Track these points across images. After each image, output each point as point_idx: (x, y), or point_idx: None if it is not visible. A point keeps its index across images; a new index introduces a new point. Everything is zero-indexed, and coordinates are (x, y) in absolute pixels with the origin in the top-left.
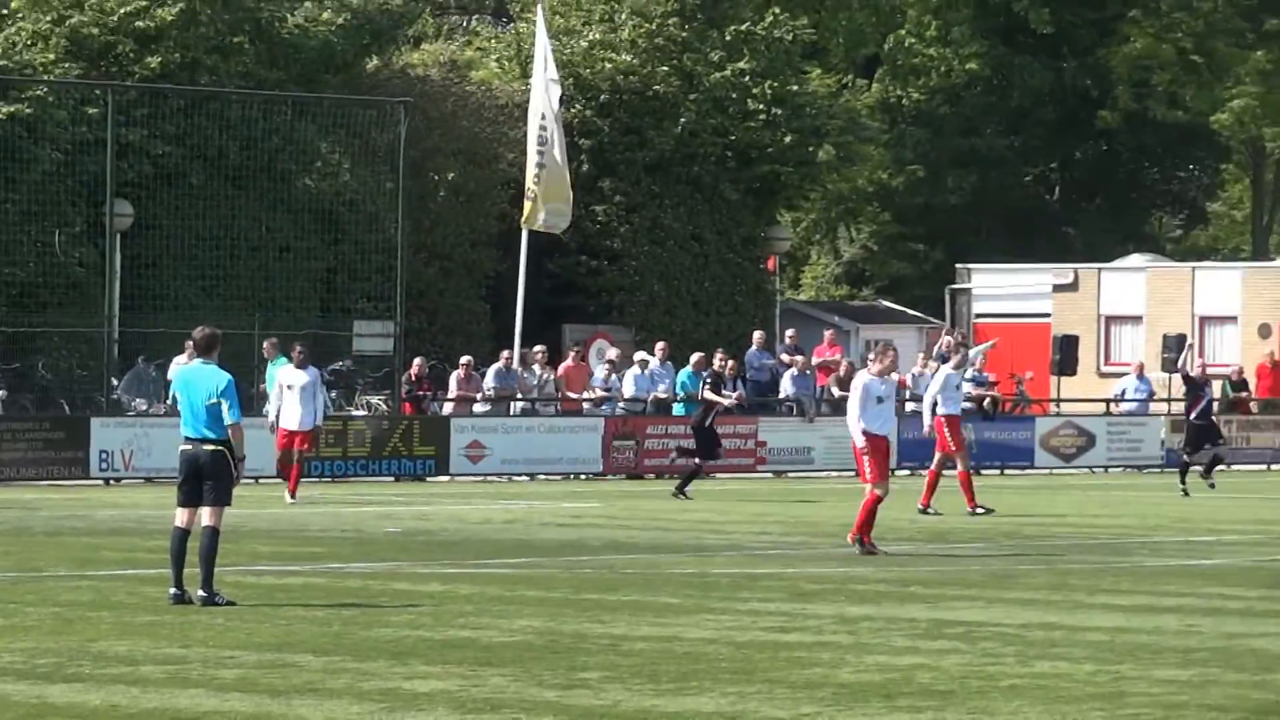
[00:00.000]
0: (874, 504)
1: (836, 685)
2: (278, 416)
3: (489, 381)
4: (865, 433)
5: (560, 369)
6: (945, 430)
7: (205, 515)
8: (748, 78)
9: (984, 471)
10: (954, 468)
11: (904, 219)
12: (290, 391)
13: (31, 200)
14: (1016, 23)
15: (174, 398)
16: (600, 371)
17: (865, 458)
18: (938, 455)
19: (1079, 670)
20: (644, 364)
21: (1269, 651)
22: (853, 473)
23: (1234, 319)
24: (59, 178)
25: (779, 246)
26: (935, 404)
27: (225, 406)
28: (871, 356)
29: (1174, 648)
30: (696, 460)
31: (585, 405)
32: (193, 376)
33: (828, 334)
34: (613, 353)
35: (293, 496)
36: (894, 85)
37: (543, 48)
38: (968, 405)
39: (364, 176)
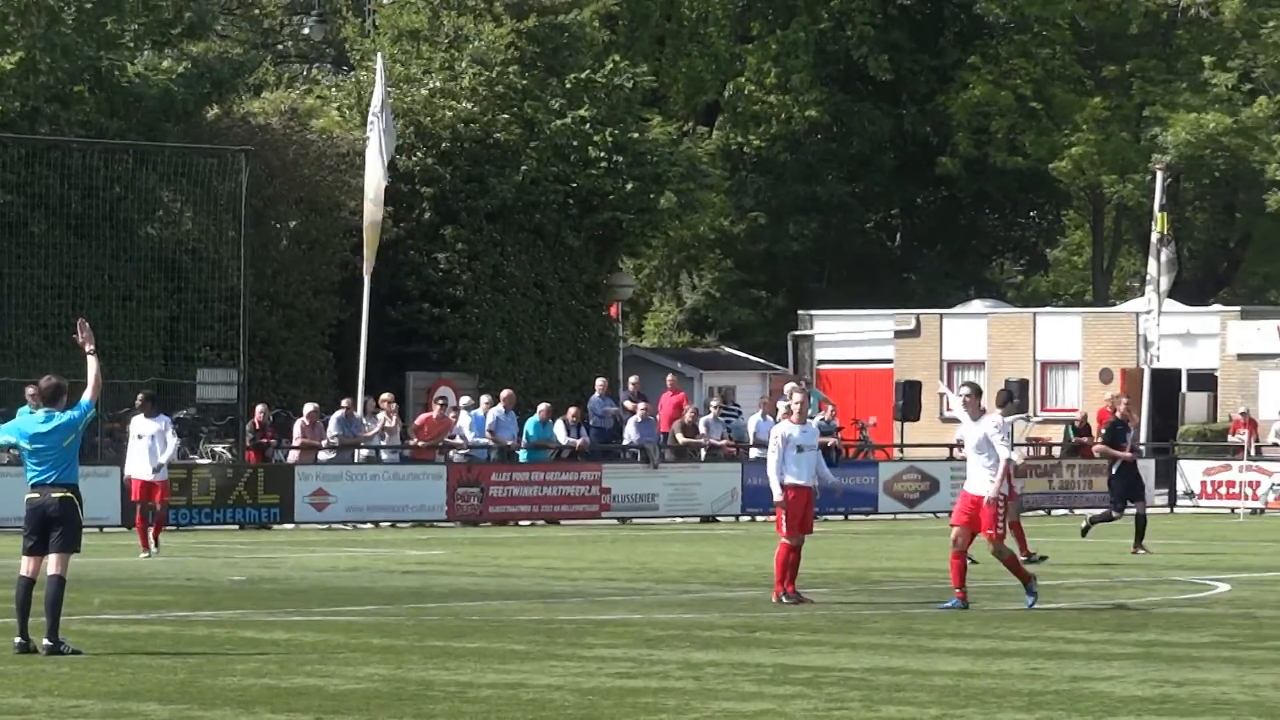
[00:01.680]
0: (785, 554)
1: None
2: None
3: (331, 429)
4: (786, 485)
5: (420, 419)
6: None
7: (52, 563)
8: (588, 125)
9: (828, 518)
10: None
11: (746, 266)
12: (140, 441)
13: None
14: (856, 70)
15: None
16: (465, 420)
17: (781, 510)
18: None
19: (924, 714)
20: (490, 404)
21: (1112, 694)
22: (698, 519)
23: (1075, 364)
24: None
25: (621, 293)
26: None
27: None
28: (785, 405)
29: (1019, 691)
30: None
31: (436, 455)
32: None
33: (669, 380)
34: (463, 400)
35: (156, 546)
36: (735, 132)
37: (379, 96)
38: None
39: (206, 225)
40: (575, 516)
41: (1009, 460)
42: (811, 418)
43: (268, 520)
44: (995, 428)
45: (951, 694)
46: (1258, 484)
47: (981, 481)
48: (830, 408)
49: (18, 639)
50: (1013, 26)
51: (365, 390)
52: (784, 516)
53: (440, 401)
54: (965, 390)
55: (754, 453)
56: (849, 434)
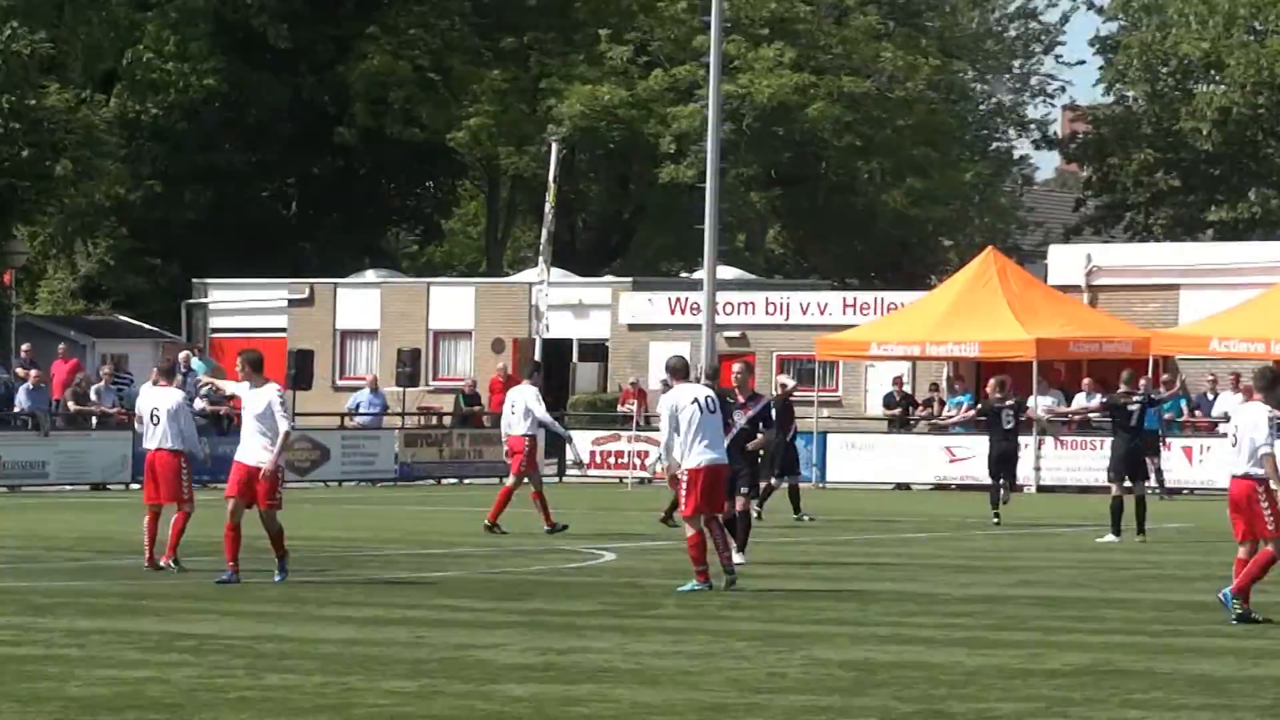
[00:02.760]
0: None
1: (64, 699)
2: None
3: None
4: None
5: None
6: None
7: None
8: None
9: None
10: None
11: (141, 234)
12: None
13: None
14: (255, 39)
15: None
16: None
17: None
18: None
19: (308, 682)
20: None
21: (496, 662)
22: (88, 486)
23: (468, 333)
24: None
25: (14, 260)
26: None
27: None
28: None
29: (403, 659)
30: None
31: None
32: None
33: (61, 347)
34: None
35: None
36: (133, 100)
37: None
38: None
39: None
40: None
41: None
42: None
43: None
44: (278, 397)
45: (336, 661)
46: (646, 454)
47: (255, 451)
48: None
49: None
50: None
51: None
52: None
53: None
54: (240, 360)
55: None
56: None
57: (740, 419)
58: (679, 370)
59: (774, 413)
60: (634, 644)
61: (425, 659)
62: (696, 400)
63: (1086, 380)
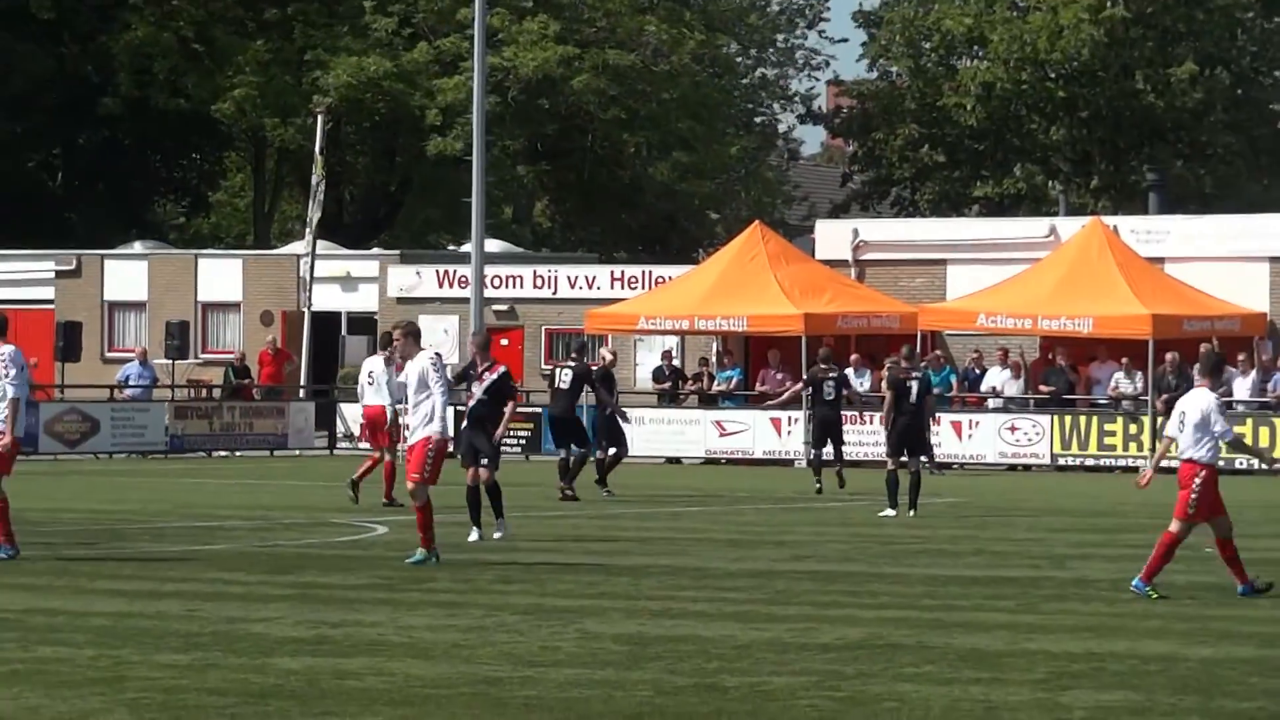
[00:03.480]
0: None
1: None
2: None
3: None
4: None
5: None
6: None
7: None
8: None
9: None
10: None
11: None
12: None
13: None
14: (17, 9)
15: None
16: None
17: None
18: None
19: (80, 655)
20: None
21: (269, 635)
22: None
23: (237, 306)
24: None
25: None
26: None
27: None
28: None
29: (176, 632)
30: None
31: None
32: None
33: None
34: None
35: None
36: None
37: None
38: None
39: None
40: None
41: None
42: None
43: None
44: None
45: (108, 635)
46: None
47: None
48: None
49: None
50: None
51: None
52: None
53: None
54: None
55: None
56: None
57: (478, 389)
58: (416, 334)
59: (598, 382)
60: (407, 617)
61: (198, 632)
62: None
63: (854, 355)
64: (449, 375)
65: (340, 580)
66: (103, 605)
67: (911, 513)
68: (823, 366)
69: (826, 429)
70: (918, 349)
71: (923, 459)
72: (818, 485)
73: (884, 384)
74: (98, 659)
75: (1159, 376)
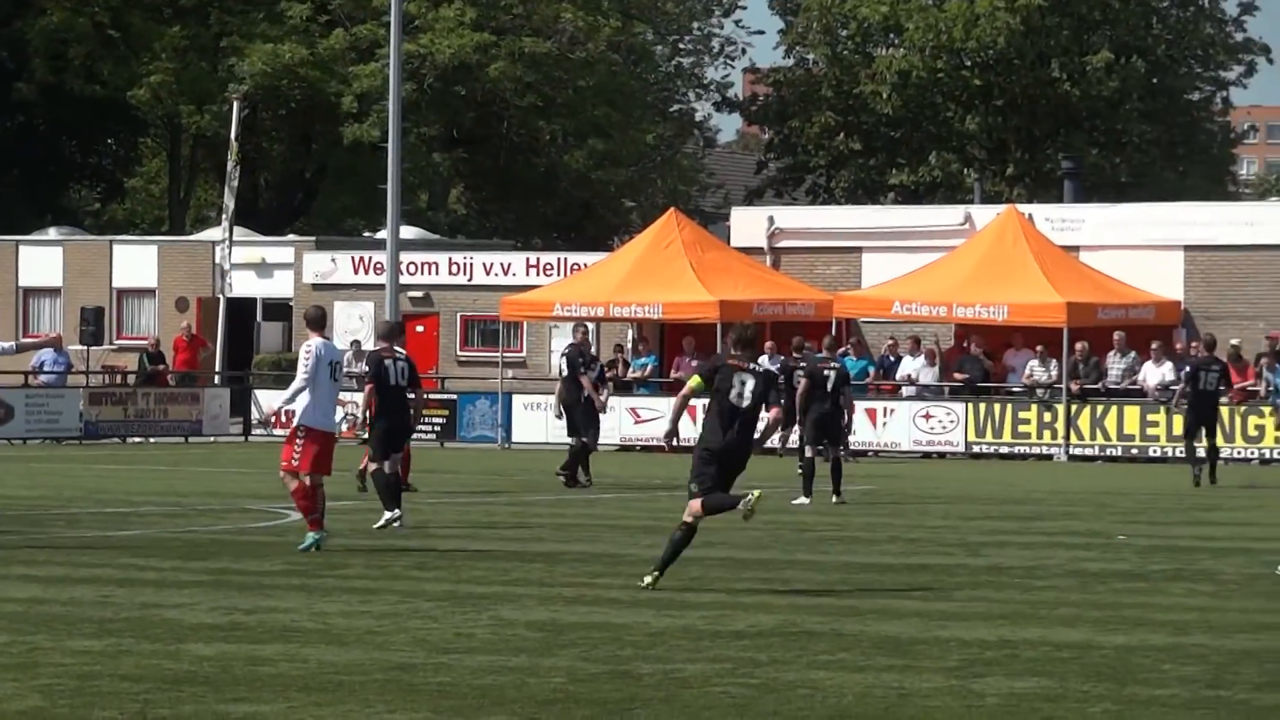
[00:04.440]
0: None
1: None
2: None
3: None
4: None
5: None
6: None
7: None
8: None
9: None
10: None
11: None
12: None
13: None
14: None
15: None
16: None
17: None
18: None
19: None
20: None
21: (183, 621)
22: None
23: (152, 292)
24: None
25: None
26: None
27: None
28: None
29: (90, 618)
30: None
31: None
32: None
33: None
34: None
35: None
36: None
37: None
38: None
39: None
40: None
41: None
42: None
43: None
44: None
45: (21, 620)
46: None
47: None
48: None
49: None
50: None
51: None
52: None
53: None
54: None
55: None
56: None
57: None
58: (318, 320)
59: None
60: (320, 604)
61: (112, 618)
62: (333, 363)
63: (770, 343)
64: (339, 362)
65: (254, 566)
66: (15, 591)
67: (835, 499)
68: (824, 356)
69: (825, 429)
70: (833, 335)
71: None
72: (805, 501)
73: (798, 373)
74: (10, 645)
75: (1073, 365)
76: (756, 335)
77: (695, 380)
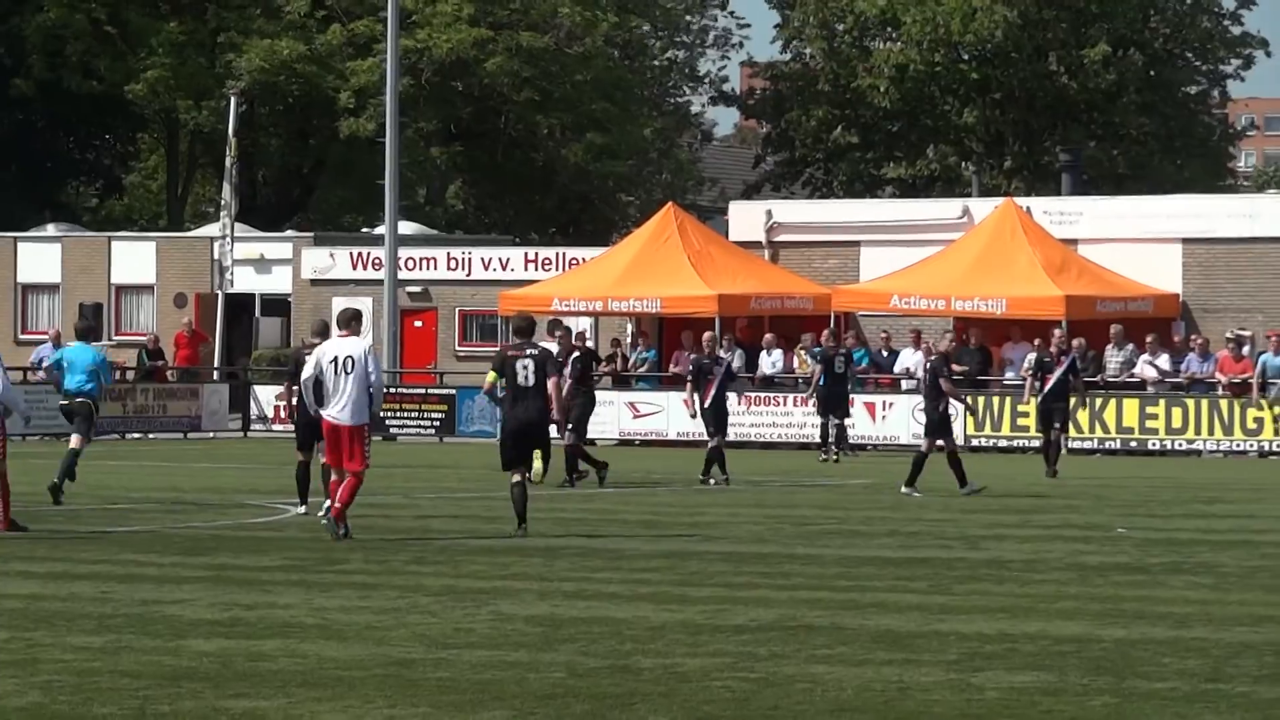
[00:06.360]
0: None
1: None
2: None
3: None
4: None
5: None
6: None
7: None
8: None
9: None
10: None
11: None
12: None
13: None
14: None
15: None
16: None
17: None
18: None
19: None
20: None
21: (183, 617)
22: None
23: (151, 288)
24: None
25: None
26: None
27: None
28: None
29: (89, 614)
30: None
31: None
32: None
33: None
34: None
35: None
36: None
37: None
38: None
39: None
40: None
41: None
42: None
43: None
44: None
45: (20, 617)
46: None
47: None
48: None
49: None
50: None
51: None
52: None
53: None
54: None
55: None
56: None
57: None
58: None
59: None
60: (320, 599)
61: (111, 614)
62: (335, 359)
63: (769, 336)
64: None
65: (254, 562)
66: (14, 587)
67: (837, 456)
68: (833, 344)
69: (834, 402)
70: (831, 329)
71: (846, 419)
72: (830, 456)
73: (810, 359)
74: (10, 641)
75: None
76: (530, 324)
77: (491, 375)
